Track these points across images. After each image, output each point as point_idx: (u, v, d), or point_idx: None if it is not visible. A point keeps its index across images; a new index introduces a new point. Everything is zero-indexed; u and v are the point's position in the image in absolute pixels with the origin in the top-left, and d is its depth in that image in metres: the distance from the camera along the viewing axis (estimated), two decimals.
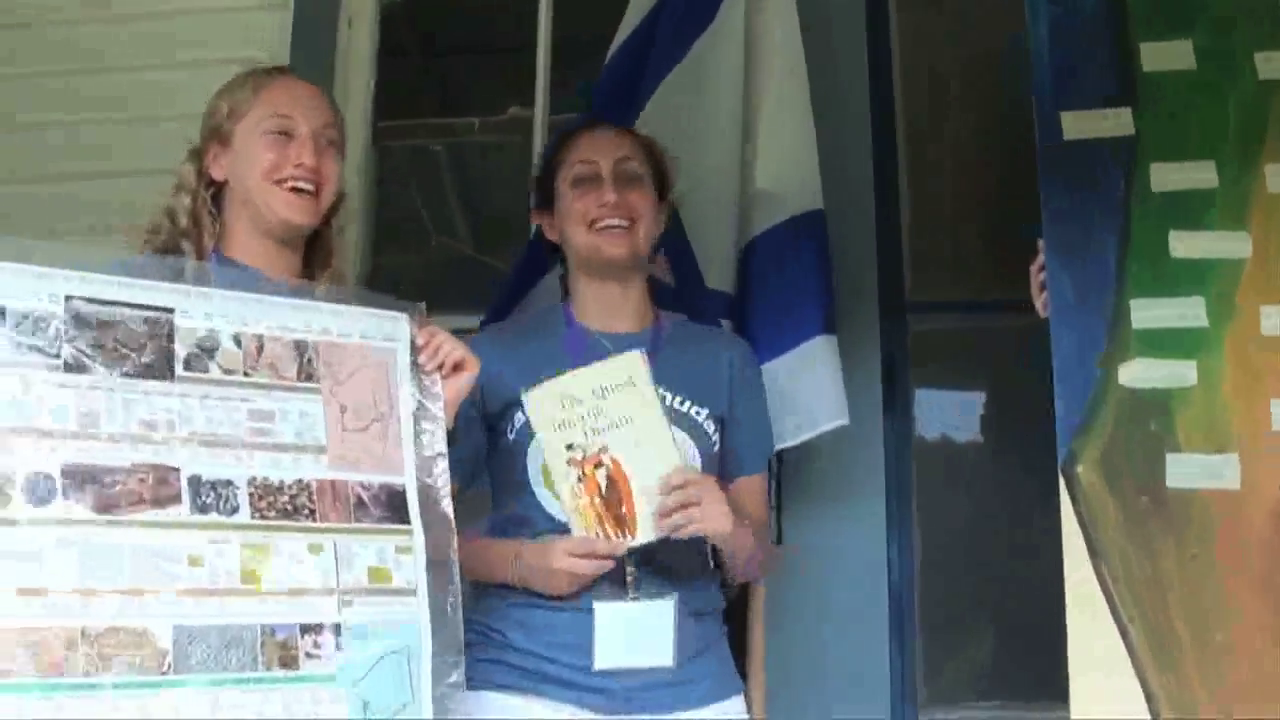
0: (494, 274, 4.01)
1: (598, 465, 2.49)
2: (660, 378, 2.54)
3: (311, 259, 2.56)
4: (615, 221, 2.67)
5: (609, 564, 2.48)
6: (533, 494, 2.62)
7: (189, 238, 2.45)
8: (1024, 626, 3.48)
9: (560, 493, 2.51)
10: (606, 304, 2.73)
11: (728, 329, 3.07)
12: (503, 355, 2.65)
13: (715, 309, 3.07)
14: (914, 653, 3.44)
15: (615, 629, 2.51)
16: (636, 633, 2.52)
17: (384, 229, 4.16)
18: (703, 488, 2.51)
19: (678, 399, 2.64)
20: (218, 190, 2.51)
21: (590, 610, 2.51)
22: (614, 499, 2.48)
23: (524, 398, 2.53)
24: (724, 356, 2.77)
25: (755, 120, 3.21)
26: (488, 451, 2.71)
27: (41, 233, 3.28)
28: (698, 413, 2.66)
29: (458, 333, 2.44)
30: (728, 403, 2.72)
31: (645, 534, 2.48)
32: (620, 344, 2.64)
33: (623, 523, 2.48)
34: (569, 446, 2.50)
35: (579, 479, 2.49)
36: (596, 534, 2.48)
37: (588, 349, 2.66)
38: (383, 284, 3.91)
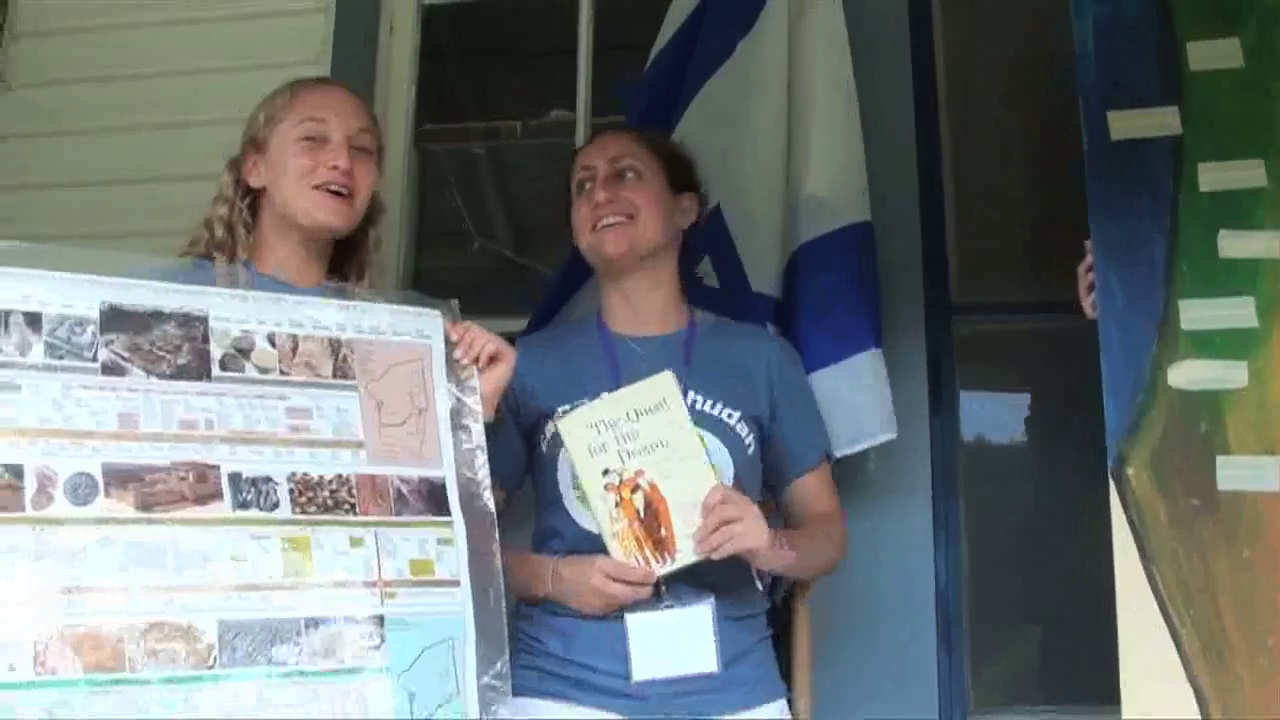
0: (536, 277, 4.02)
1: (634, 489, 2.49)
2: (692, 380, 2.54)
3: (345, 270, 2.57)
4: (610, 219, 2.68)
5: (644, 591, 2.48)
6: (564, 508, 2.63)
7: (223, 249, 2.46)
8: (1072, 629, 3.45)
9: (599, 517, 2.50)
10: (632, 306, 2.73)
11: (772, 333, 3.06)
12: (537, 365, 2.67)
13: (760, 312, 3.06)
14: (962, 656, 3.42)
15: (650, 639, 2.51)
16: (674, 641, 2.51)
17: (425, 232, 4.17)
18: (740, 505, 2.49)
19: (708, 402, 2.64)
20: (254, 200, 2.52)
21: (623, 619, 2.51)
22: (652, 522, 2.48)
23: (558, 424, 2.54)
24: (761, 355, 2.77)
25: (803, 125, 3.19)
26: (527, 461, 2.71)
27: (90, 237, 3.32)
28: (729, 415, 2.65)
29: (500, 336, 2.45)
30: (768, 403, 2.71)
31: (685, 556, 2.48)
32: (649, 347, 2.65)
33: (662, 545, 2.48)
34: (605, 472, 2.50)
35: (616, 504, 2.49)
36: (636, 559, 2.47)
37: (619, 355, 2.66)
38: (424, 287, 3.91)
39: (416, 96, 4.12)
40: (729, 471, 2.62)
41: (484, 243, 4.39)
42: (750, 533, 2.47)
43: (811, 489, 2.74)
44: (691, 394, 2.60)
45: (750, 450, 2.67)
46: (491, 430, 2.38)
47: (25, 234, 3.42)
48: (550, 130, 4.25)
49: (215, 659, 2.00)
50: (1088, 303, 2.56)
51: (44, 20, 4.04)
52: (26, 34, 3.98)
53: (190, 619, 2.00)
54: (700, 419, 2.60)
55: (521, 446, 2.71)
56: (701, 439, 2.54)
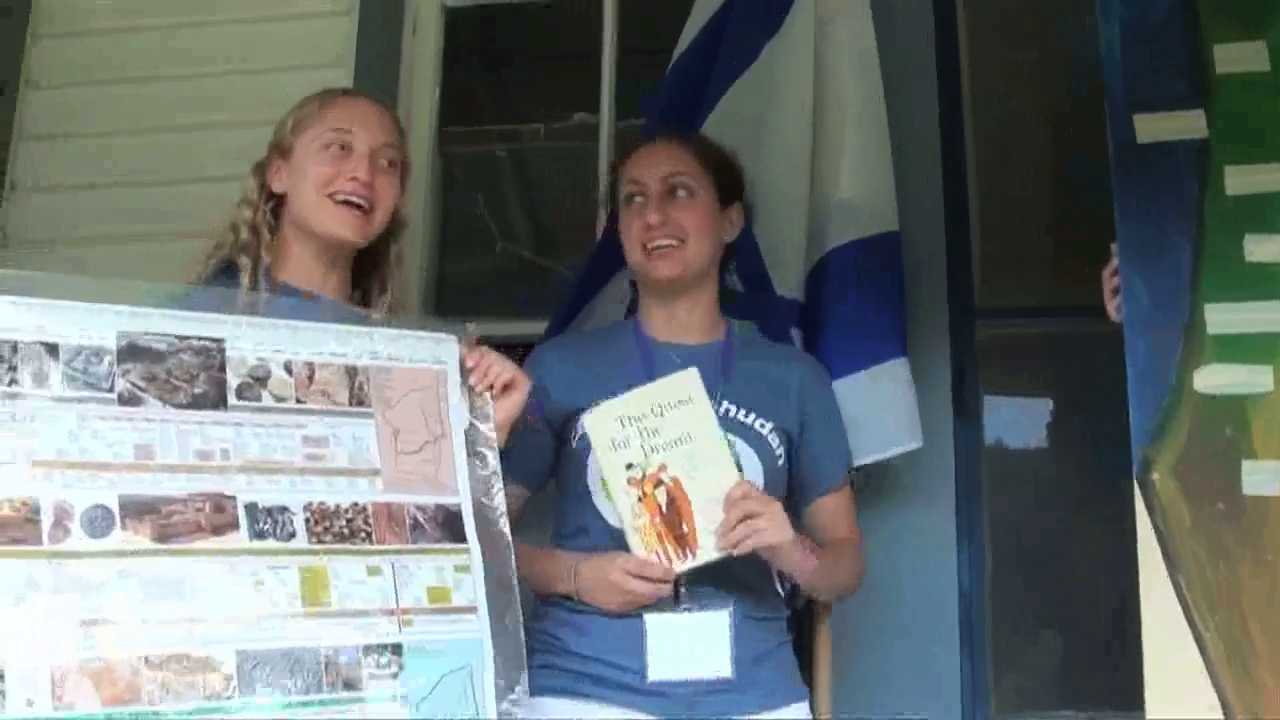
0: (557, 279, 4.02)
1: (657, 484, 2.49)
2: (727, 390, 2.54)
3: (367, 285, 2.57)
4: (663, 242, 2.67)
5: (665, 589, 2.48)
6: (592, 504, 2.63)
7: (247, 251, 2.46)
8: (1095, 634, 3.45)
9: (621, 512, 2.50)
10: (672, 318, 2.74)
11: (797, 337, 3.06)
12: (572, 365, 2.70)
13: (783, 316, 3.06)
14: (985, 661, 3.41)
15: (667, 640, 2.51)
16: (690, 643, 2.51)
17: (449, 236, 4.17)
18: (763, 500, 2.49)
19: (741, 411, 2.64)
20: (277, 205, 2.52)
21: (642, 618, 2.51)
22: (674, 517, 2.48)
23: (584, 421, 2.54)
24: (794, 372, 2.77)
25: (833, 130, 3.18)
26: (555, 459, 2.71)
27: (117, 238, 3.33)
28: (762, 425, 2.65)
29: (522, 339, 2.45)
30: (798, 420, 2.71)
31: (707, 552, 2.47)
32: (688, 356, 2.65)
33: (684, 541, 2.47)
34: (628, 466, 2.50)
35: (639, 499, 2.49)
36: (658, 554, 2.47)
37: (657, 361, 2.67)
38: (447, 291, 3.93)
39: (440, 99, 4.12)
40: (759, 480, 2.61)
41: (506, 245, 4.39)
42: (773, 528, 2.46)
43: (831, 510, 2.74)
44: (726, 403, 2.61)
45: (780, 461, 2.67)
46: (503, 455, 2.38)
47: (54, 234, 3.45)
48: (574, 134, 4.25)
49: (234, 690, 1.99)
50: (1112, 307, 2.55)
51: (70, 21, 4.05)
52: (52, 35, 3.99)
53: (209, 650, 1.99)
54: (733, 426, 2.61)
55: (550, 445, 2.71)
56: (730, 442, 2.55)
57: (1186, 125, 2.59)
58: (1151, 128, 2.60)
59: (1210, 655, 2.33)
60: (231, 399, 2.14)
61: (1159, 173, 2.58)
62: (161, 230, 3.47)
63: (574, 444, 2.66)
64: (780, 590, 2.64)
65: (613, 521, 2.57)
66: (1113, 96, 2.64)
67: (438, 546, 2.25)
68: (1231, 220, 2.52)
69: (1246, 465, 2.41)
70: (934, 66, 3.51)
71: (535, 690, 2.37)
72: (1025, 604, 3.64)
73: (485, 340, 2.44)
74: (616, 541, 2.53)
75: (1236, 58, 2.61)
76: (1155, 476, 2.42)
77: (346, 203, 2.49)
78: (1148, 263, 2.52)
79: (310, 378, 2.23)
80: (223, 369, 2.15)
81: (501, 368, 2.40)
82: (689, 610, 2.52)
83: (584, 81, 4.04)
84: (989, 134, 3.77)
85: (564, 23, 4.30)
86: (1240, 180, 2.54)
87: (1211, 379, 2.46)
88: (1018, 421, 3.88)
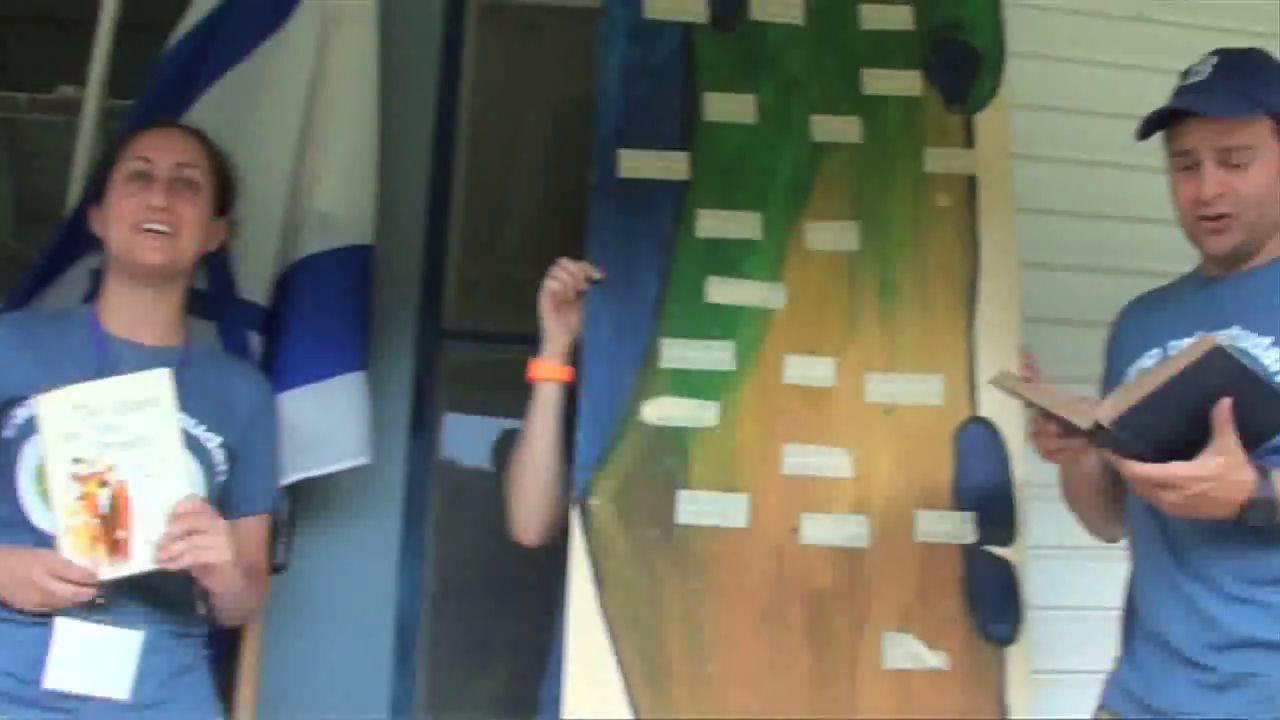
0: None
1: (102, 484, 2.37)
2: (181, 398, 2.44)
3: None
4: (158, 226, 2.57)
5: (86, 592, 2.35)
6: (21, 499, 2.46)
7: None
8: (532, 649, 3.50)
9: (56, 507, 2.36)
10: (136, 311, 2.62)
11: (255, 342, 2.99)
12: (14, 346, 2.54)
13: (245, 319, 2.98)
14: (415, 677, 3.41)
15: (73, 649, 2.38)
16: (95, 657, 2.39)
17: None
18: (209, 517, 2.42)
19: (192, 422, 2.55)
20: None
21: (52, 621, 2.38)
22: (113, 521, 2.36)
23: (37, 401, 2.39)
24: (244, 391, 2.70)
25: (320, 138, 3.14)
26: None
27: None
28: (209, 439, 2.57)
29: None
30: (241, 438, 2.64)
31: (140, 562, 2.36)
32: (143, 355, 2.54)
33: (118, 546, 2.36)
34: (76, 460, 2.36)
35: (79, 496, 2.36)
36: (87, 558, 2.35)
37: (110, 355, 2.55)
38: None
39: None
40: (201, 494, 2.51)
41: None
42: (215, 548, 2.39)
43: (245, 534, 2.65)
44: (180, 412, 2.51)
45: (222, 478, 2.60)
46: None
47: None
48: (59, 107, 4.05)
49: None
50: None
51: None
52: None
53: None
54: (182, 437, 2.49)
55: None
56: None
57: (669, 166, 2.72)
58: (635, 164, 2.71)
59: (629, 675, 2.42)
60: None
61: (637, 209, 2.69)
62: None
63: (9, 433, 2.49)
64: (200, 607, 2.54)
65: (41, 522, 2.42)
66: (601, 130, 2.74)
67: None
68: (699, 261, 2.66)
69: (682, 495, 2.54)
70: (435, 86, 3.51)
71: None
72: (467, 620, 3.67)
73: None
74: (42, 540, 2.39)
75: (726, 107, 2.77)
76: (594, 501, 2.52)
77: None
78: (614, 294, 2.62)
79: None
80: None
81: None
82: (102, 622, 2.40)
83: (75, 53, 3.84)
84: (482, 158, 3.81)
85: None
86: (711, 224, 2.69)
87: (660, 411, 2.58)
88: (474, 442, 3.92)
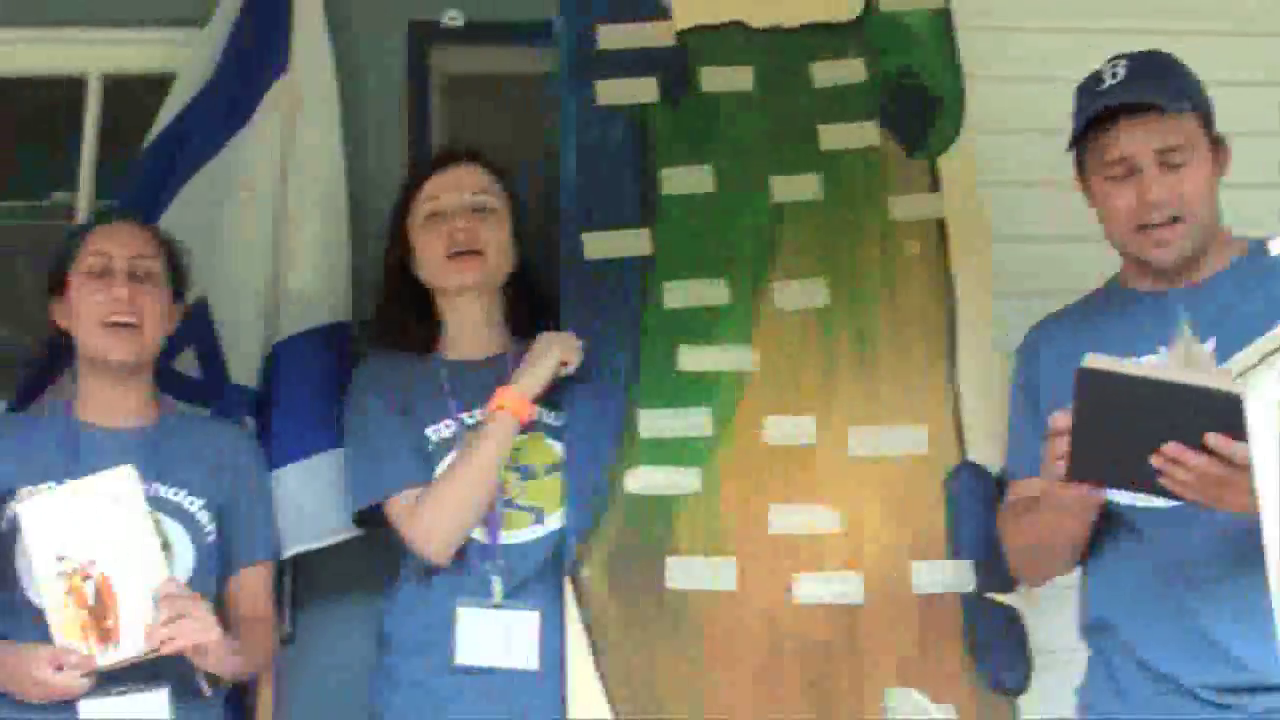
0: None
1: (85, 577, 2.44)
2: (158, 468, 2.51)
3: None
4: (124, 319, 2.63)
5: (85, 683, 2.41)
6: (20, 590, 2.53)
7: None
8: None
9: (47, 604, 2.44)
10: (107, 399, 2.68)
11: (250, 425, 3.04)
12: (3, 446, 2.62)
13: (237, 404, 3.03)
14: None
15: None
16: None
17: None
18: (191, 600, 2.46)
19: (171, 489, 2.61)
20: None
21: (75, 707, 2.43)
22: (100, 611, 2.43)
23: (18, 509, 2.47)
24: (226, 447, 2.76)
25: (292, 223, 3.19)
26: None
27: None
28: (191, 502, 2.63)
29: None
30: (228, 494, 2.69)
31: (133, 645, 2.43)
32: (114, 440, 2.61)
33: (109, 634, 2.42)
34: (59, 558, 2.44)
35: (66, 590, 2.43)
36: (80, 647, 2.41)
37: (81, 444, 2.61)
38: None
39: None
40: (190, 559, 2.59)
41: None
42: (200, 627, 2.44)
43: (248, 586, 2.72)
44: (156, 484, 2.57)
45: (211, 539, 2.65)
46: None
47: None
48: (49, 213, 4.09)
49: None
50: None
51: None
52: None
53: None
54: (163, 506, 2.58)
55: None
56: (158, 521, 2.52)
57: (630, 244, 2.77)
58: (598, 245, 2.77)
59: None
60: None
61: (604, 287, 2.75)
62: None
63: (2, 525, 2.55)
64: (205, 689, 2.58)
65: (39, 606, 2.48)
66: (566, 215, 2.80)
67: None
68: (667, 331, 2.71)
69: (671, 561, 2.58)
70: (403, 160, 3.53)
71: None
72: None
73: None
74: (45, 632, 2.45)
75: (683, 180, 2.82)
76: (585, 572, 2.56)
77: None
78: (589, 370, 2.66)
79: None
80: None
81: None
82: (125, 694, 2.46)
83: (62, 160, 3.90)
84: None
85: (48, 97, 4.16)
86: (677, 295, 2.74)
87: (641, 480, 2.62)
88: None
